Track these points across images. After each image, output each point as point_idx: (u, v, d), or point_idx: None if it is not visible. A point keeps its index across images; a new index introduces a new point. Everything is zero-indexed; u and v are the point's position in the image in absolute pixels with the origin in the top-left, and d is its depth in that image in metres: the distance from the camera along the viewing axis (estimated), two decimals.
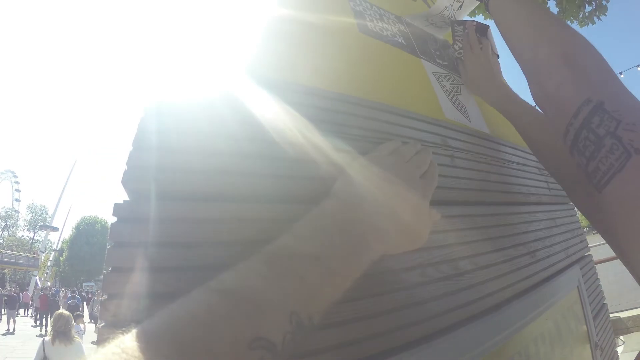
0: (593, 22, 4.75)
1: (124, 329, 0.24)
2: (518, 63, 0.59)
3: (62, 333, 3.19)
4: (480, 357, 0.48)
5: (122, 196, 0.33)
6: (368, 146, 0.48)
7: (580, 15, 4.74)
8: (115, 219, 0.30)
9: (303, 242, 0.31)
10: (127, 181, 0.31)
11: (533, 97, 0.56)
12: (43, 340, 3.23)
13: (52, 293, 14.34)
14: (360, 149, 0.46)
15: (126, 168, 0.31)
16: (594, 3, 4.72)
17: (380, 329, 0.39)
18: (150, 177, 0.32)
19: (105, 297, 0.29)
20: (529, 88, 0.57)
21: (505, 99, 0.78)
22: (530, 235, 0.74)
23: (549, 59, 0.52)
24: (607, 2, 4.71)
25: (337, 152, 0.43)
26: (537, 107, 0.58)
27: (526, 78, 0.57)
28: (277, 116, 0.41)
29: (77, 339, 3.35)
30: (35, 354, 3.17)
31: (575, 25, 4.83)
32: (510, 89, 0.80)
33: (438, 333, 0.44)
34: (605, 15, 4.76)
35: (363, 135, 0.48)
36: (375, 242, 0.35)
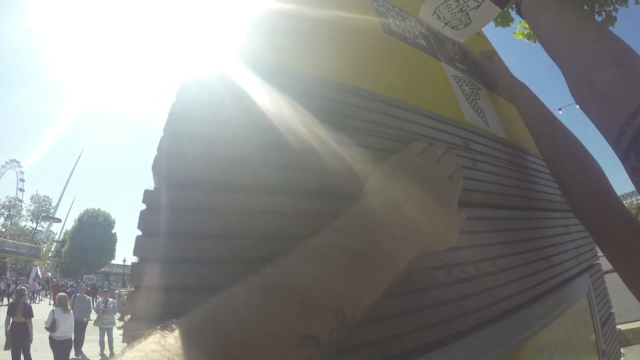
0: None
1: (159, 324, 0.23)
2: (558, 62, 0.58)
3: (64, 305, 5.37)
4: None
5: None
6: (396, 145, 0.48)
7: None
8: (144, 206, 0.29)
9: (349, 238, 0.31)
10: (158, 168, 0.30)
11: (577, 96, 0.55)
12: (52, 310, 5.34)
13: (62, 284, 18.46)
14: (389, 146, 0.47)
15: (156, 154, 0.30)
16: (603, 13, 4.71)
17: (408, 327, 0.39)
18: (183, 165, 0.31)
19: (132, 288, 0.27)
20: (570, 88, 0.56)
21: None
22: (546, 240, 0.75)
23: (597, 57, 0.51)
24: (616, 13, 4.70)
25: (370, 150, 0.43)
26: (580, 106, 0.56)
27: (567, 77, 0.57)
28: (303, 109, 0.41)
29: (69, 309, 5.53)
30: (47, 317, 5.27)
31: None
32: None
33: (460, 334, 0.44)
34: (614, 26, 4.74)
35: (393, 134, 0.49)
36: (414, 242, 0.35)
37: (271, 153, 0.37)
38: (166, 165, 0.30)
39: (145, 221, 0.29)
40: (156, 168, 0.30)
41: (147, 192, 0.29)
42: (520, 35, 4.93)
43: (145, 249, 0.28)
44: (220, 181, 0.33)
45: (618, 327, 4.45)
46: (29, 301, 5.72)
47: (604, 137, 0.51)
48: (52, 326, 5.16)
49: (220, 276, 0.30)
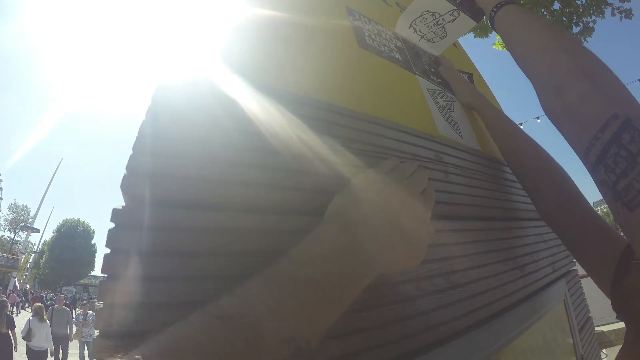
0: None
1: (119, 341, 0.25)
2: (529, 75, 0.59)
3: (40, 315, 5.51)
4: None
5: (120, 201, 0.31)
6: (368, 160, 0.49)
7: None
8: (112, 224, 0.29)
9: (303, 269, 0.31)
10: (127, 187, 0.30)
11: (547, 110, 0.55)
12: (29, 319, 5.46)
13: (41, 296, 19.71)
14: (361, 162, 0.47)
15: (125, 173, 0.30)
16: (581, 24, 4.86)
17: (374, 342, 0.40)
18: (151, 184, 0.31)
19: (100, 305, 0.28)
20: (540, 101, 0.56)
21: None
22: (519, 250, 0.76)
23: (567, 70, 0.51)
24: (594, 24, 4.86)
25: (337, 166, 0.44)
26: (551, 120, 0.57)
27: (538, 90, 0.57)
28: (278, 127, 0.42)
29: (45, 319, 5.62)
30: (24, 326, 5.38)
31: None
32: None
33: (430, 346, 0.45)
34: (591, 37, 4.90)
35: (363, 149, 0.49)
36: (373, 267, 0.35)
37: (242, 170, 0.37)
38: (136, 185, 0.31)
39: (113, 239, 0.29)
40: (125, 187, 0.30)
41: (115, 211, 0.29)
42: (500, 46, 5.07)
43: (114, 267, 0.28)
44: (192, 200, 0.33)
45: (600, 328, 4.55)
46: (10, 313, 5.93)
47: (574, 150, 0.52)
48: (27, 335, 5.37)
49: (186, 294, 0.30)
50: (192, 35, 0.42)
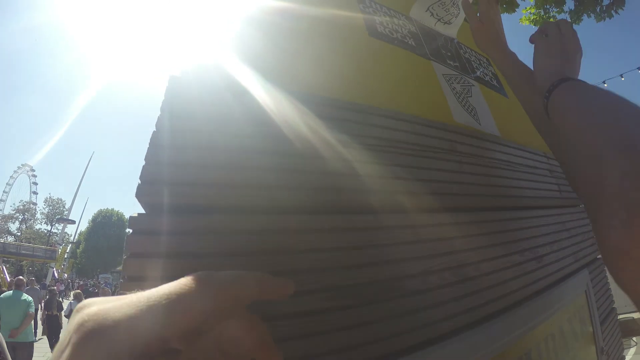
0: (611, 16, 4.63)
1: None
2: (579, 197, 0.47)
3: (79, 299, 7.08)
4: None
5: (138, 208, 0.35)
6: (371, 154, 0.48)
7: (598, 9, 4.62)
8: (130, 231, 0.32)
9: None
10: (141, 195, 0.33)
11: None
12: (70, 302, 7.42)
13: (86, 284, 21.81)
14: (367, 157, 0.47)
15: (139, 182, 0.33)
16: None
17: (381, 334, 0.40)
18: (161, 192, 0.34)
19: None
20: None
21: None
22: (538, 240, 0.74)
23: (604, 148, 0.36)
24: None
25: (347, 162, 0.43)
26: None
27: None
28: (284, 127, 0.42)
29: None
30: (66, 307, 7.38)
31: (592, 20, 4.72)
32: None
33: (437, 339, 0.45)
34: (623, 9, 4.61)
35: (371, 144, 0.49)
36: None
37: (251, 173, 0.38)
38: (148, 193, 0.34)
39: (131, 244, 0.32)
40: (139, 196, 0.33)
41: (132, 219, 0.33)
42: (527, 21, 4.85)
43: (133, 269, 0.31)
44: (195, 204, 0.35)
45: (631, 315, 4.39)
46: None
47: None
48: (69, 315, 7.13)
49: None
50: (205, 47, 0.43)
